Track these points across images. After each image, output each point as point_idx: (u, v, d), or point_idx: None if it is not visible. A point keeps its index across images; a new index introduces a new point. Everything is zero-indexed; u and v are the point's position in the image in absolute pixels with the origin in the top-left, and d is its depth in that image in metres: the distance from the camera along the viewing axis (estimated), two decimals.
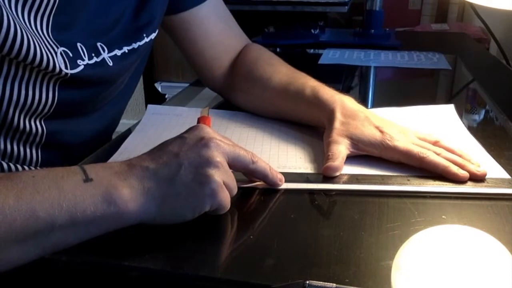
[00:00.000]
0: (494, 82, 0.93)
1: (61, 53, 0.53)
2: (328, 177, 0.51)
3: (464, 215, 0.46)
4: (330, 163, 0.51)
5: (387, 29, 1.28)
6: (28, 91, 0.53)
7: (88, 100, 0.61)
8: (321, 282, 0.34)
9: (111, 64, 0.60)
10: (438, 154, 0.52)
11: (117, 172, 0.40)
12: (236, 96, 0.75)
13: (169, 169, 0.41)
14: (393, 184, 0.50)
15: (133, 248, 0.40)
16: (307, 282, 0.35)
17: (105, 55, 0.59)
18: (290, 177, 0.51)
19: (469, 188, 0.49)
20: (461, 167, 0.51)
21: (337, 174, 0.51)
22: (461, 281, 0.36)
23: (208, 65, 0.75)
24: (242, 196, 0.48)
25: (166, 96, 2.13)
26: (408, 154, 0.52)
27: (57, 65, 0.52)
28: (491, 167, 0.52)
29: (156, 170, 0.41)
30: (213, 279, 0.37)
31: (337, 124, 0.56)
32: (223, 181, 0.43)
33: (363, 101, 0.84)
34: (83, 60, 0.56)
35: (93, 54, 0.57)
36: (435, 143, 0.55)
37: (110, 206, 0.38)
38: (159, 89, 2.15)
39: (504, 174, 0.51)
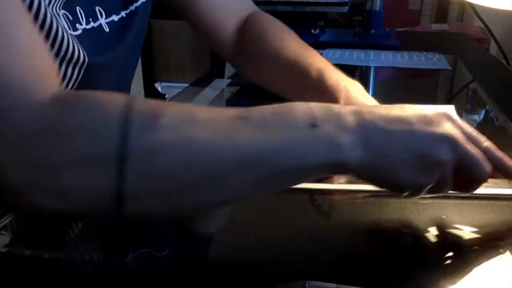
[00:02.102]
0: (494, 82, 0.93)
1: (63, 15, 0.52)
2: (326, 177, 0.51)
3: (464, 215, 0.46)
4: None
5: (387, 29, 1.28)
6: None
7: (97, 75, 0.59)
8: (321, 282, 0.34)
9: (107, 30, 0.58)
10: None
11: (343, 125, 0.38)
12: (246, 68, 0.74)
13: (397, 134, 0.38)
14: None
15: (133, 248, 0.40)
16: (307, 282, 0.35)
17: (102, 20, 0.57)
18: None
19: None
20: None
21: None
22: (461, 281, 0.36)
23: (211, 29, 0.74)
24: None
25: (166, 96, 2.13)
26: None
27: (59, 29, 0.49)
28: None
29: (385, 132, 0.38)
30: (213, 279, 0.37)
31: None
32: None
33: None
34: (81, 24, 0.54)
35: (90, 19, 0.55)
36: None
37: (336, 154, 0.37)
38: (159, 89, 2.15)
39: None
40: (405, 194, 0.40)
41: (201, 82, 0.93)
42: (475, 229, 0.43)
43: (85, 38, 0.55)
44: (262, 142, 0.36)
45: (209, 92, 0.83)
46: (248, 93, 0.85)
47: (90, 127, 0.34)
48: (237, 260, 0.39)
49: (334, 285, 0.34)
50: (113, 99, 0.35)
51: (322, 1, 1.19)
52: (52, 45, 0.48)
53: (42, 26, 0.46)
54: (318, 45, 1.20)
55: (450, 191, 0.48)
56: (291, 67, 0.64)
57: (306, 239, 0.41)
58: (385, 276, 0.36)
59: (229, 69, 1.00)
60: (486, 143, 0.42)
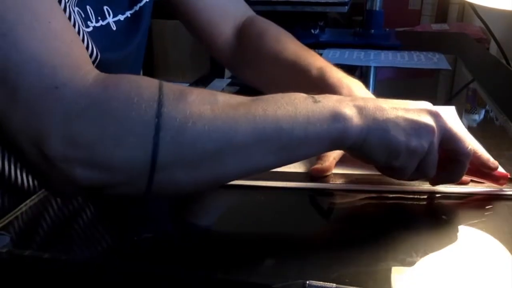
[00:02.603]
0: (494, 82, 0.93)
1: (77, 12, 0.53)
2: (322, 177, 0.51)
3: (464, 215, 0.46)
4: (317, 166, 0.51)
5: (387, 29, 1.28)
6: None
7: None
8: (321, 282, 0.34)
9: (114, 28, 0.59)
10: None
11: (340, 100, 0.43)
12: (244, 72, 0.74)
13: (386, 107, 0.43)
14: (393, 184, 0.50)
15: (133, 248, 0.40)
16: (307, 282, 0.35)
17: (110, 19, 0.59)
18: (290, 176, 0.51)
19: (470, 188, 0.49)
20: None
21: (326, 175, 0.51)
22: (461, 281, 0.36)
23: (207, 31, 0.74)
24: (242, 196, 0.48)
25: None
26: None
27: (76, 25, 0.51)
28: None
29: (376, 105, 0.43)
30: (213, 279, 0.37)
31: None
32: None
33: None
34: (92, 22, 0.56)
35: (99, 18, 0.57)
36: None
37: (335, 122, 0.41)
38: None
39: None
40: (397, 164, 0.43)
41: (201, 82, 0.93)
42: (476, 229, 0.43)
43: (96, 35, 0.56)
44: (275, 116, 0.40)
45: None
46: (247, 94, 0.85)
47: (128, 105, 0.37)
48: (237, 260, 0.39)
49: (334, 285, 0.34)
50: (148, 80, 0.40)
51: (322, 1, 1.19)
52: None
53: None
54: (318, 45, 1.20)
55: (450, 191, 0.48)
56: (292, 67, 0.64)
57: (306, 239, 0.41)
58: (385, 276, 0.36)
59: (228, 70, 1.00)
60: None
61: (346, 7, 1.21)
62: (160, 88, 0.38)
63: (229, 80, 0.93)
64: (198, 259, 0.39)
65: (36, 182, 0.61)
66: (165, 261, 0.39)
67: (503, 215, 0.45)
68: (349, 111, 0.42)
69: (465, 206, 0.47)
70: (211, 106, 0.39)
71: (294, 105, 0.41)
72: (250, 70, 0.73)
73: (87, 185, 0.38)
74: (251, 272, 0.37)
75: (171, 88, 0.39)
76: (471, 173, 0.48)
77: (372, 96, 0.58)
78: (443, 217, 0.45)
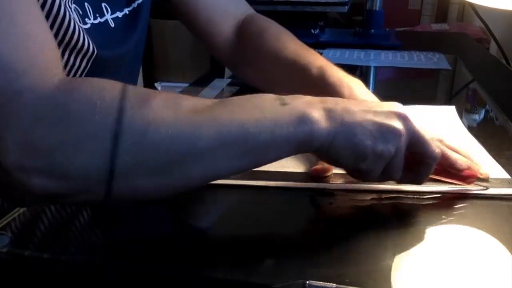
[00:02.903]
0: (494, 82, 0.93)
1: (74, 9, 0.53)
2: (323, 177, 0.51)
3: (464, 215, 0.46)
4: (317, 166, 0.51)
5: (387, 29, 1.28)
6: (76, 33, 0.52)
7: (106, 69, 0.60)
8: (321, 282, 0.34)
9: (112, 25, 0.59)
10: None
11: (309, 102, 0.43)
12: (244, 71, 0.74)
13: (356, 109, 0.43)
14: (393, 183, 0.50)
15: (133, 248, 0.40)
16: (307, 282, 0.35)
17: (108, 16, 0.58)
18: (290, 176, 0.51)
19: (470, 188, 0.49)
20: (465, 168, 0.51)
21: (326, 175, 0.51)
22: (460, 281, 0.36)
23: (207, 31, 0.74)
24: (242, 196, 0.48)
25: None
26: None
27: (72, 21, 0.51)
28: (491, 168, 0.52)
29: (345, 107, 0.43)
30: (213, 279, 0.37)
31: None
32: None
33: None
34: (90, 19, 0.56)
35: (97, 15, 0.57)
36: (439, 141, 0.54)
37: (302, 125, 0.41)
38: (159, 89, 2.15)
39: (505, 175, 0.52)
40: (364, 167, 0.43)
41: (201, 82, 0.93)
42: (476, 229, 0.43)
43: (93, 32, 0.56)
44: (241, 119, 0.40)
45: (209, 92, 0.83)
46: (248, 93, 0.85)
47: (90, 108, 0.36)
48: (237, 260, 0.39)
49: (334, 285, 0.34)
50: (112, 84, 0.38)
51: (322, 1, 1.19)
52: (64, 36, 0.49)
53: (56, 17, 0.48)
54: (318, 45, 1.20)
55: (450, 191, 0.49)
56: (292, 66, 0.64)
57: (306, 239, 0.41)
58: (385, 276, 0.36)
59: (229, 69, 1.00)
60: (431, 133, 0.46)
61: (346, 7, 1.21)
62: (123, 92, 0.38)
63: (229, 80, 0.93)
64: (198, 259, 0.39)
65: None
66: (165, 261, 0.39)
67: (503, 215, 0.45)
68: (317, 114, 0.41)
69: (465, 206, 0.47)
70: (175, 110, 0.38)
71: (261, 108, 0.41)
72: (250, 68, 0.73)
73: (44, 194, 0.37)
74: (251, 272, 0.37)
75: (135, 91, 0.38)
76: (439, 173, 0.48)
77: (373, 96, 0.57)
78: (443, 217, 0.45)
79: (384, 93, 0.58)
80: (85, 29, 0.54)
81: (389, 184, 0.49)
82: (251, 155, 0.40)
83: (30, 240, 0.42)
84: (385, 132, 0.43)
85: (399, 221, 0.44)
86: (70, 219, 0.46)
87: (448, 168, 0.48)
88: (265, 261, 0.38)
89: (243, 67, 0.74)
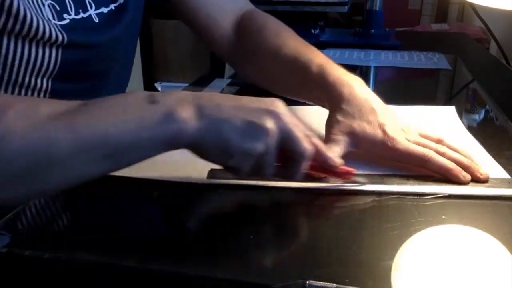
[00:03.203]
0: (494, 82, 0.93)
1: (48, 5, 0.53)
2: (322, 178, 0.51)
3: (464, 215, 0.46)
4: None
5: (387, 29, 1.28)
6: (31, 49, 0.53)
7: (85, 62, 0.60)
8: (321, 282, 0.34)
9: (97, 20, 0.59)
10: (441, 154, 0.52)
11: (180, 98, 0.43)
12: (244, 68, 0.74)
13: (227, 106, 0.44)
14: (393, 184, 0.50)
15: (133, 248, 0.40)
16: (307, 282, 0.35)
17: (92, 11, 0.59)
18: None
19: (470, 188, 0.49)
20: (465, 168, 0.51)
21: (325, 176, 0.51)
22: (460, 281, 0.36)
23: (205, 27, 0.74)
24: (241, 196, 0.48)
25: None
26: (409, 156, 0.52)
27: (45, 14, 0.52)
28: (491, 168, 0.52)
29: (217, 104, 0.44)
30: (213, 279, 0.37)
31: (340, 117, 0.54)
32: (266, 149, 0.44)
33: None
34: (70, 14, 0.56)
35: (80, 10, 0.57)
36: (438, 142, 0.54)
37: (169, 124, 0.41)
38: (159, 89, 2.15)
39: (505, 175, 0.52)
40: (232, 163, 0.44)
41: (201, 82, 0.93)
42: (476, 229, 0.43)
43: (74, 26, 0.56)
44: (101, 122, 0.40)
45: (209, 92, 0.83)
46: (248, 93, 0.85)
47: None
48: (237, 260, 0.39)
49: (334, 285, 0.34)
50: None
51: (322, 1, 1.19)
52: (21, 28, 0.51)
53: (9, 11, 0.49)
54: (318, 45, 1.19)
55: (450, 192, 0.49)
56: (292, 63, 0.64)
57: (306, 239, 0.41)
58: (385, 276, 0.36)
59: (229, 69, 1.00)
60: (308, 130, 0.47)
61: (346, 7, 1.21)
62: None
63: (229, 80, 0.93)
64: (198, 259, 0.39)
65: None
66: (164, 261, 0.39)
67: (503, 215, 0.45)
68: (185, 112, 0.42)
69: (465, 206, 0.47)
70: (31, 119, 0.38)
71: (126, 109, 0.41)
72: (250, 66, 0.73)
73: None
74: (251, 272, 0.37)
75: None
76: (315, 169, 0.48)
77: (373, 94, 0.57)
78: (443, 217, 0.45)
79: (384, 93, 0.58)
80: (62, 24, 0.54)
81: (390, 184, 0.50)
82: (114, 158, 0.41)
83: (30, 240, 0.42)
84: (254, 129, 0.43)
85: (399, 221, 0.44)
86: (70, 219, 0.46)
87: (323, 165, 0.48)
88: (265, 261, 0.38)
89: (243, 64, 0.74)
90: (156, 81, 2.16)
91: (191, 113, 0.42)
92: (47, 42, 0.53)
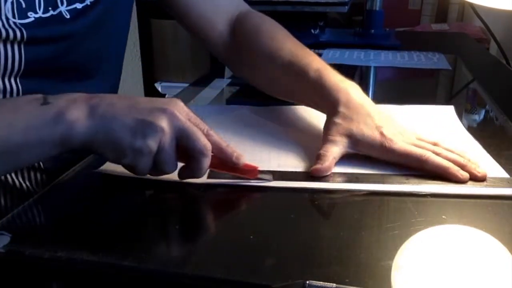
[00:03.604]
0: (494, 82, 0.93)
1: (11, 2, 0.53)
2: (322, 177, 0.51)
3: (464, 215, 0.46)
4: (317, 166, 0.51)
5: (387, 29, 1.28)
6: None
7: (54, 58, 0.60)
8: (321, 282, 0.34)
9: (68, 16, 0.59)
10: (438, 154, 0.52)
11: (73, 100, 0.44)
12: (241, 69, 0.74)
13: (120, 105, 0.45)
14: (392, 183, 0.50)
15: (133, 248, 0.40)
16: (307, 282, 0.35)
17: (62, 8, 0.58)
18: (290, 176, 0.51)
19: (469, 188, 0.49)
20: (462, 167, 0.51)
21: (325, 174, 0.51)
22: (460, 281, 0.36)
23: (199, 26, 0.73)
24: (241, 196, 0.48)
25: (166, 96, 2.13)
26: (407, 157, 0.52)
27: (3, 12, 0.52)
28: (491, 167, 0.52)
29: (110, 103, 0.44)
30: (213, 279, 0.37)
31: (338, 119, 0.55)
32: (161, 147, 0.44)
33: None
34: (36, 13, 0.55)
35: (50, 8, 0.57)
36: (435, 144, 0.55)
37: (58, 125, 0.42)
38: (159, 89, 2.15)
39: (503, 173, 0.52)
40: (126, 162, 0.44)
41: (201, 82, 0.93)
42: (476, 229, 0.43)
43: (39, 23, 0.56)
44: None
45: (209, 92, 0.83)
46: (248, 93, 0.85)
47: None
48: (237, 260, 0.39)
49: (334, 285, 0.34)
50: None
51: (322, 1, 1.19)
52: None
53: None
54: (318, 45, 1.20)
55: (450, 192, 0.48)
56: (289, 67, 0.64)
57: (306, 239, 0.41)
58: (385, 276, 0.36)
59: (229, 69, 1.00)
60: (208, 129, 0.48)
61: (346, 7, 1.21)
62: None
63: (229, 80, 0.93)
64: (198, 259, 0.39)
65: (35, 184, 0.61)
66: (164, 261, 0.39)
67: (503, 215, 0.45)
68: (76, 113, 0.42)
69: (465, 206, 0.47)
70: None
71: (16, 110, 0.42)
72: (247, 68, 0.73)
73: None
74: (251, 272, 0.37)
75: None
76: (220, 167, 0.49)
77: (369, 100, 0.58)
78: (443, 217, 0.45)
79: (384, 93, 0.58)
80: (25, 22, 0.54)
81: (390, 184, 0.50)
82: (3, 159, 0.42)
83: (30, 240, 0.42)
84: (145, 128, 0.43)
85: (399, 221, 0.44)
86: (70, 218, 0.46)
87: (226, 162, 0.49)
88: (265, 261, 0.38)
89: (239, 65, 0.74)
90: (156, 81, 2.16)
91: (82, 113, 0.43)
92: (6, 40, 0.53)
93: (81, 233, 0.43)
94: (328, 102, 0.57)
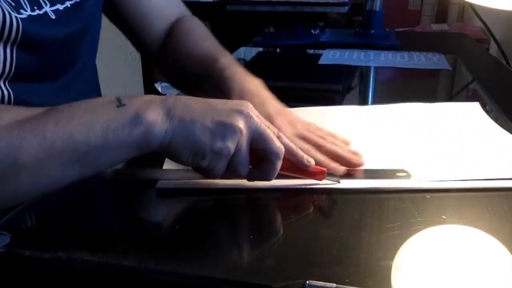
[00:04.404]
0: (494, 82, 0.93)
1: (4, 1, 0.53)
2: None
3: (464, 215, 0.46)
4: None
5: (387, 29, 1.28)
6: None
7: (44, 63, 0.60)
8: (321, 282, 0.34)
9: (53, 17, 0.59)
10: (320, 146, 0.53)
11: (148, 101, 0.43)
12: (166, 70, 0.76)
13: (197, 107, 0.44)
14: (393, 184, 0.50)
15: (133, 248, 0.40)
16: (307, 282, 0.35)
17: (47, 8, 0.58)
18: (289, 176, 0.51)
19: (470, 184, 0.49)
20: (340, 158, 0.52)
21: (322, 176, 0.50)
22: (460, 281, 0.36)
23: (139, 27, 0.74)
24: (241, 196, 0.48)
25: None
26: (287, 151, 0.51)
27: (5, 11, 0.52)
28: None
29: (186, 104, 0.44)
30: (213, 279, 0.37)
31: None
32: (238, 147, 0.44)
33: (363, 101, 0.84)
34: (26, 10, 0.55)
35: (35, 7, 0.57)
36: (322, 137, 0.55)
37: (137, 127, 0.41)
38: (159, 89, 2.15)
39: None
40: (204, 164, 0.44)
41: None
42: (476, 229, 0.43)
43: (32, 20, 0.55)
44: (67, 127, 0.40)
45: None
46: None
47: None
48: (237, 260, 0.39)
49: (334, 285, 0.34)
50: None
51: (322, 1, 1.19)
52: None
53: None
54: (318, 46, 1.20)
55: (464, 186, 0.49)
56: (201, 62, 0.65)
57: (306, 239, 0.41)
58: (385, 276, 0.36)
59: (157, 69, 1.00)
60: (278, 131, 0.47)
61: (346, 7, 1.21)
62: None
63: None
64: (198, 259, 0.39)
65: None
66: (164, 261, 0.39)
67: (503, 215, 0.45)
68: (153, 114, 0.42)
69: (465, 206, 0.47)
70: None
71: (93, 113, 0.41)
72: (168, 67, 0.74)
73: None
74: (251, 272, 0.37)
75: None
76: (288, 170, 0.49)
77: (268, 94, 0.58)
78: (443, 217, 0.45)
79: (384, 94, 0.58)
80: (20, 18, 0.54)
81: (390, 184, 0.50)
82: (83, 163, 0.41)
83: (30, 240, 0.42)
84: (224, 129, 0.43)
85: (399, 221, 0.44)
86: (70, 218, 0.46)
87: (296, 165, 0.48)
88: (265, 261, 0.38)
89: (165, 67, 0.76)
90: (156, 81, 2.16)
91: (159, 115, 0.42)
92: (2, 36, 0.52)
93: (81, 233, 0.43)
94: (223, 92, 0.58)
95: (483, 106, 0.71)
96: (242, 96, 0.56)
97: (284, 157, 0.47)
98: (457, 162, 0.54)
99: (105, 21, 0.72)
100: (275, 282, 0.35)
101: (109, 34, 0.77)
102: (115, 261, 0.39)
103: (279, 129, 0.51)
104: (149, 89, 2.17)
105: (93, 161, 0.41)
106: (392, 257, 0.38)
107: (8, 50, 0.54)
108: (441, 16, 2.06)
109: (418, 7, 2.08)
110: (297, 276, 0.35)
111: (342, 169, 0.51)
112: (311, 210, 0.47)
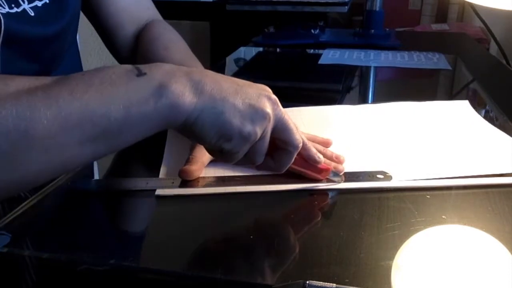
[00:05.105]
0: (494, 82, 0.93)
1: None
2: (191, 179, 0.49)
3: (464, 215, 0.46)
4: (187, 167, 0.49)
5: (387, 29, 1.28)
6: None
7: (31, 60, 0.59)
8: (321, 282, 0.34)
9: (32, 14, 0.58)
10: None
11: (170, 71, 0.39)
12: None
13: (227, 85, 0.41)
14: (392, 184, 0.50)
15: (133, 248, 0.40)
16: (307, 282, 0.35)
17: (25, 5, 0.57)
18: (289, 176, 0.51)
19: (471, 180, 0.49)
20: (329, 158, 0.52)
21: (194, 177, 0.49)
22: (460, 281, 0.36)
23: (112, 30, 0.74)
24: (241, 196, 0.48)
25: None
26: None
27: None
28: None
29: (215, 80, 0.40)
30: (213, 279, 0.37)
31: None
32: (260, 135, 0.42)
33: (363, 101, 0.84)
34: (4, 8, 0.54)
35: (13, 5, 0.56)
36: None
37: (162, 99, 0.37)
38: None
39: None
40: (228, 147, 0.41)
41: None
42: (476, 229, 0.43)
43: (12, 17, 0.55)
44: (84, 98, 0.34)
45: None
46: None
47: None
48: (237, 260, 0.39)
49: (334, 285, 0.34)
50: None
51: (322, 1, 1.19)
52: None
53: None
54: (318, 45, 1.20)
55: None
56: None
57: (306, 239, 0.41)
58: (385, 276, 0.36)
59: (228, 69, 1.00)
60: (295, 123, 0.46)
61: (346, 7, 1.21)
62: None
63: None
64: (198, 259, 0.39)
65: None
66: (165, 261, 0.39)
67: (503, 215, 0.45)
68: (179, 87, 0.38)
69: (465, 206, 0.47)
70: (1, 93, 0.33)
71: (111, 83, 0.36)
72: None
73: None
74: (251, 272, 0.37)
75: None
76: (297, 164, 0.48)
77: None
78: (443, 217, 0.45)
79: (384, 94, 0.58)
80: (2, 13, 0.53)
81: (390, 184, 0.49)
82: (103, 139, 0.36)
83: (30, 240, 0.42)
84: (255, 113, 0.41)
85: (399, 221, 0.44)
86: (70, 218, 0.46)
87: (307, 159, 0.48)
88: (265, 261, 0.38)
89: None
90: None
91: (185, 88, 0.38)
92: None
93: (81, 233, 0.43)
94: None
95: (480, 106, 0.71)
96: None
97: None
98: (444, 159, 0.54)
99: None
100: (275, 282, 0.35)
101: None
102: (115, 261, 0.39)
103: None
104: None
105: (112, 137, 0.36)
106: (392, 257, 0.38)
107: None
108: (441, 16, 2.06)
109: (418, 7, 2.09)
110: (297, 276, 0.35)
111: (343, 168, 0.51)
112: (311, 210, 0.47)
